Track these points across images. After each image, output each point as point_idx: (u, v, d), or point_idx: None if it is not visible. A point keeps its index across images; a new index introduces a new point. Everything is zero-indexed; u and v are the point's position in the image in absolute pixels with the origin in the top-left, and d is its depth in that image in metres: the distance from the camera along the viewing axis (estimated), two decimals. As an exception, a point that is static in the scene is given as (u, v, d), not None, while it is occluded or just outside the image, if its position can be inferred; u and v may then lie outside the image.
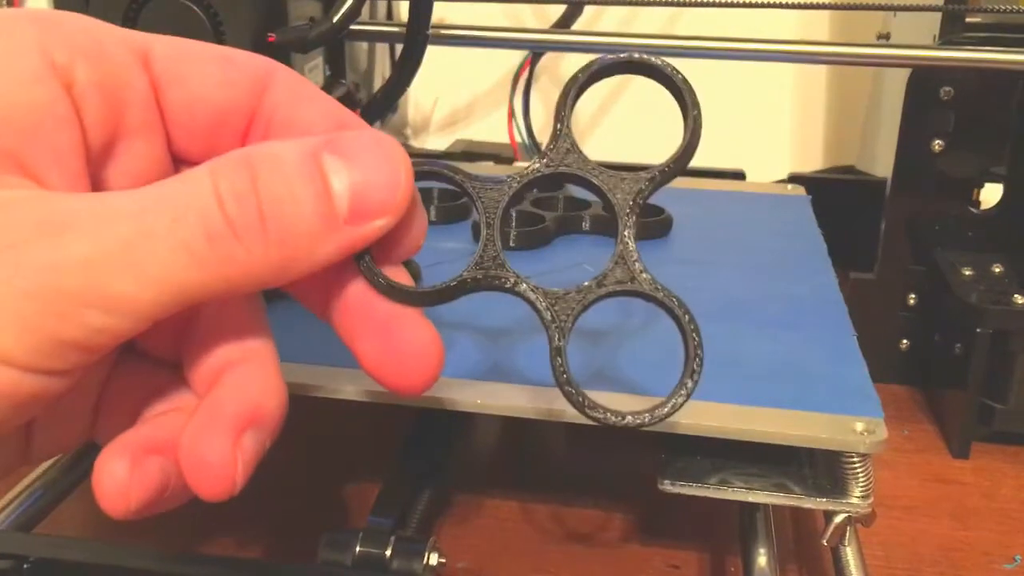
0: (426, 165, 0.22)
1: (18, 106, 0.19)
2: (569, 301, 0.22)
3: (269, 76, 0.22)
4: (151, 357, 0.23)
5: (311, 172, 0.19)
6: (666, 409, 0.22)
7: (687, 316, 0.22)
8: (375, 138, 0.20)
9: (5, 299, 0.17)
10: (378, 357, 0.22)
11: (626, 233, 0.22)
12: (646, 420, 0.22)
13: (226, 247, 0.18)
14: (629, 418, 0.22)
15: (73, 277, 0.17)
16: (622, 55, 0.23)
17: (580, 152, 0.23)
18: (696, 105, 0.23)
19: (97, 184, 0.21)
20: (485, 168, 0.56)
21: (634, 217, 0.23)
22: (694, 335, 0.22)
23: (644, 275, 0.22)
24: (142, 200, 0.18)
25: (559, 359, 0.22)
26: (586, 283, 0.22)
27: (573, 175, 0.23)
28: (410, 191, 0.20)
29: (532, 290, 0.22)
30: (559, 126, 0.23)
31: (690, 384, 0.22)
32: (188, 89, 0.21)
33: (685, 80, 0.22)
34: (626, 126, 0.70)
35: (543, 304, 0.22)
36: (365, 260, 0.21)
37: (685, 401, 0.22)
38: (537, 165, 0.23)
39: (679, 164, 0.23)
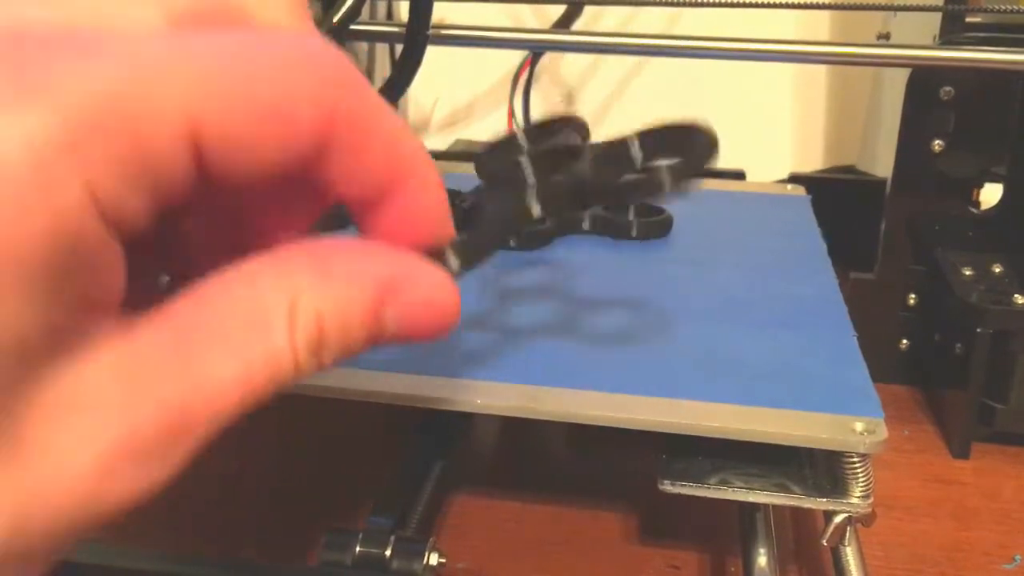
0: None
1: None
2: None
3: (331, 126, 0.19)
4: None
5: (372, 332, 0.19)
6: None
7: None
8: (433, 303, 0.20)
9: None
10: None
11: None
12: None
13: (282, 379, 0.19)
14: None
15: None
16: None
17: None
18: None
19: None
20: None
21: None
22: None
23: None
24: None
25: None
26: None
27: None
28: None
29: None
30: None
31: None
32: (237, 171, 0.19)
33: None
34: (627, 125, 0.70)
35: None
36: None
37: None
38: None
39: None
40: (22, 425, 0.16)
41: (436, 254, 0.21)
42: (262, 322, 0.18)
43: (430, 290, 0.20)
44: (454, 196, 0.46)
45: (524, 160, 0.25)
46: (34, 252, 0.15)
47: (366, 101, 0.20)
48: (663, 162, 0.23)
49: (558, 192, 0.23)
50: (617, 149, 0.23)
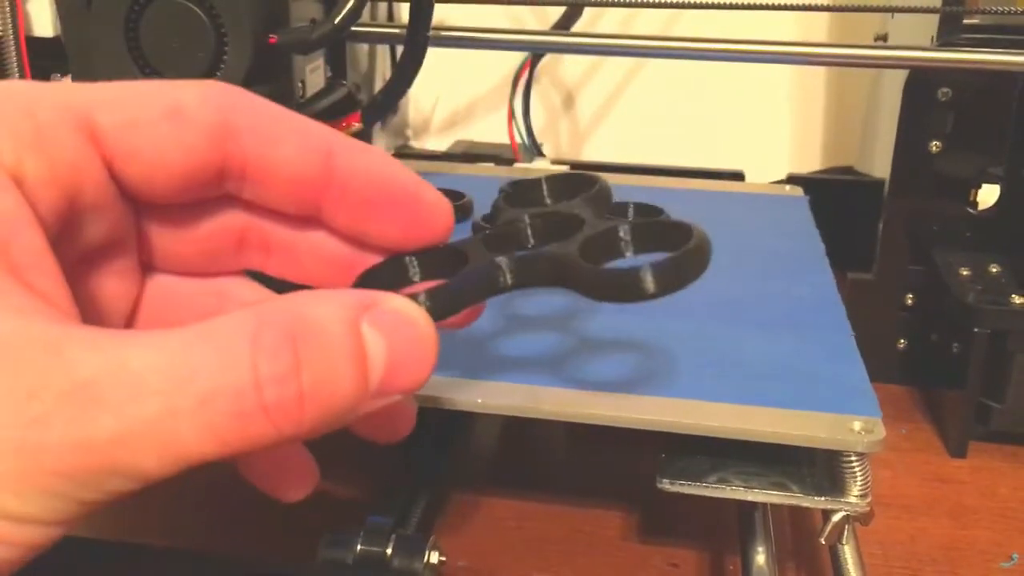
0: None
1: None
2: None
3: (227, 124, 0.21)
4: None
5: (355, 351, 0.18)
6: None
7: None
8: (412, 313, 0.20)
9: (32, 474, 0.17)
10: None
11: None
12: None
13: (255, 428, 0.17)
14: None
15: (99, 455, 0.17)
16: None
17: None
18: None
19: (62, 265, 0.20)
20: (485, 169, 0.57)
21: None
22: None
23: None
24: (168, 371, 0.17)
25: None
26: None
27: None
28: (432, 363, 0.20)
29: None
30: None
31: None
32: (143, 162, 0.21)
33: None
34: (627, 126, 0.70)
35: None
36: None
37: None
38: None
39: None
40: None
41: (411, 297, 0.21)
42: (214, 336, 0.18)
43: (399, 303, 0.20)
44: (454, 195, 0.46)
45: (526, 219, 0.26)
46: None
47: (261, 99, 0.22)
48: (650, 258, 0.23)
49: (535, 270, 0.23)
50: (609, 237, 0.23)
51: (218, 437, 0.17)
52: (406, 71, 0.44)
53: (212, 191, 0.22)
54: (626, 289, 0.22)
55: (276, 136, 0.22)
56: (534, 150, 0.63)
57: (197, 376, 0.17)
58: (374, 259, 0.24)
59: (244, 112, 0.21)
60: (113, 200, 0.21)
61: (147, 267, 0.24)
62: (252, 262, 0.25)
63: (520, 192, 0.28)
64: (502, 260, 0.23)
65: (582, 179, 0.26)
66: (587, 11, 0.63)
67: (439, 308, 0.22)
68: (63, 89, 0.20)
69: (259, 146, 0.21)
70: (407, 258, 0.24)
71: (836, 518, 0.30)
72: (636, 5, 0.63)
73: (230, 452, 0.18)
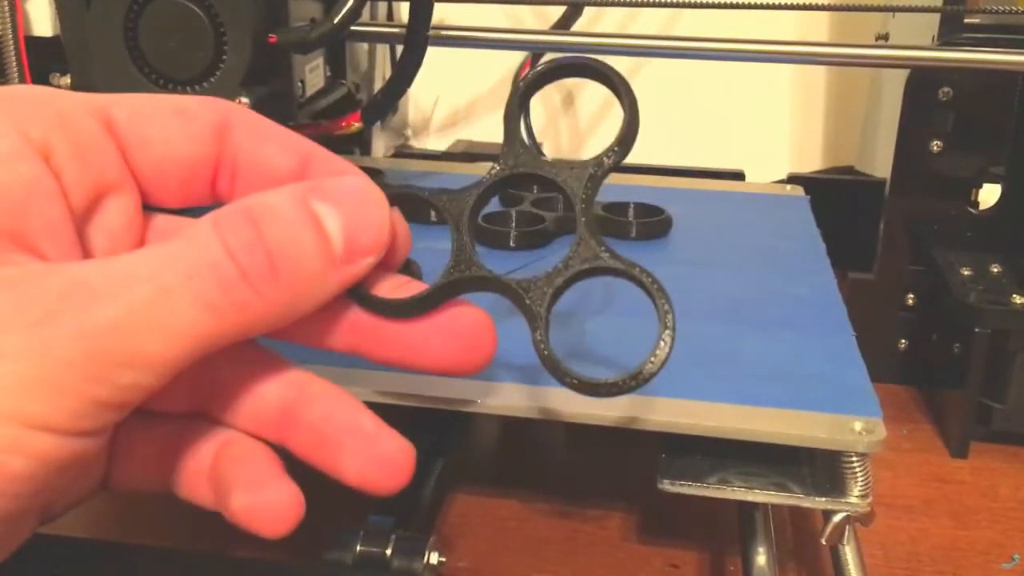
0: (396, 190, 0.24)
1: (8, 185, 0.20)
2: (539, 288, 0.23)
3: (226, 121, 0.23)
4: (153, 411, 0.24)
5: (307, 217, 0.20)
6: (643, 373, 0.23)
7: (654, 284, 0.23)
8: (355, 183, 0.22)
9: (45, 371, 0.17)
10: (422, 348, 0.23)
11: (583, 219, 0.24)
12: (622, 385, 0.23)
13: (241, 295, 0.19)
14: (605, 387, 0.23)
15: (105, 341, 0.18)
16: (556, 61, 0.25)
17: (533, 151, 0.25)
18: (630, 93, 0.24)
19: (83, 246, 0.22)
20: (485, 169, 0.56)
21: (588, 204, 0.24)
22: (663, 302, 0.23)
23: (605, 252, 0.23)
24: (154, 261, 0.19)
25: (542, 345, 0.23)
26: (551, 269, 0.23)
27: (528, 174, 0.25)
28: (391, 227, 0.22)
29: (507, 282, 0.24)
30: (510, 130, 0.25)
31: (664, 347, 0.23)
32: (154, 150, 0.23)
33: (617, 73, 0.24)
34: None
35: (519, 294, 0.24)
36: (356, 288, 0.22)
37: (657, 368, 0.23)
38: (496, 169, 0.25)
39: (623, 149, 0.24)
40: None
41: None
42: (196, 235, 0.20)
43: (344, 179, 0.22)
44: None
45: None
46: None
47: (254, 114, 0.24)
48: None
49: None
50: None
51: (210, 307, 0.19)
52: (406, 71, 0.44)
53: (207, 193, 0.24)
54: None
55: (263, 134, 0.23)
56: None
57: (178, 259, 0.19)
58: None
59: (238, 112, 0.23)
60: (128, 188, 0.23)
61: None
62: None
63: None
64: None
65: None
66: (587, 11, 0.63)
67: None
68: (79, 93, 0.22)
69: (249, 141, 0.23)
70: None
71: (837, 518, 0.30)
72: (636, 5, 0.63)
73: (227, 326, 0.19)
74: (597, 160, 0.24)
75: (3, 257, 0.19)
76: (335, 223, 0.21)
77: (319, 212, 0.20)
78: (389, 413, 0.33)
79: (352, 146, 0.59)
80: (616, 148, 0.24)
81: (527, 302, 0.23)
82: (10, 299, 0.18)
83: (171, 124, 0.22)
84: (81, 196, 0.21)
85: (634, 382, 0.23)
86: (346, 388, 0.30)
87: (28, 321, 0.18)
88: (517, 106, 0.25)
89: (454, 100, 0.73)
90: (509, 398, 0.30)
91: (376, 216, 0.21)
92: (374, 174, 0.49)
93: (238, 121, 0.23)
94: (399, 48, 0.47)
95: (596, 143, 0.71)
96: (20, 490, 0.18)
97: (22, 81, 0.42)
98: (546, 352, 0.23)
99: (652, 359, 0.23)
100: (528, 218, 0.44)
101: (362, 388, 0.30)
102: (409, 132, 0.72)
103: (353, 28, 0.40)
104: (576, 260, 0.23)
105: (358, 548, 0.30)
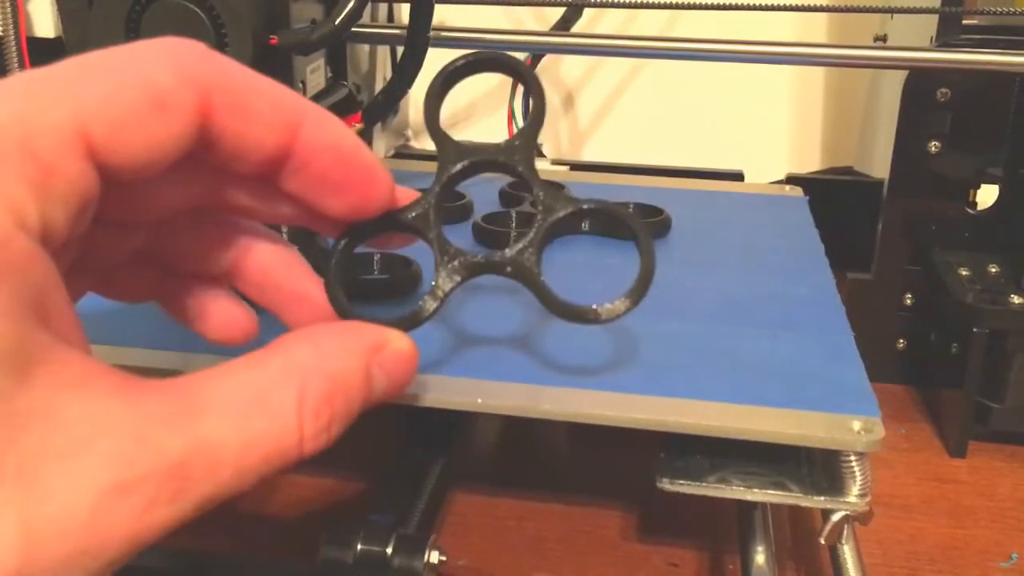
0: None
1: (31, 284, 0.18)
2: (526, 250, 0.26)
3: (207, 101, 0.21)
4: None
5: (367, 392, 0.24)
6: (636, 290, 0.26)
7: (624, 211, 0.26)
8: (405, 354, 0.25)
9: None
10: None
11: (536, 179, 0.27)
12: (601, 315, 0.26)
13: (288, 461, 0.22)
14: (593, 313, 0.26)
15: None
16: (468, 57, 0.28)
17: (467, 144, 0.28)
18: (539, 85, 0.28)
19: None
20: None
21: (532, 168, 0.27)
22: (637, 228, 0.26)
23: (571, 197, 0.27)
24: (238, 446, 0.21)
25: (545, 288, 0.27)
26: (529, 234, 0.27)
27: (480, 162, 0.28)
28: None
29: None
30: (432, 126, 0.28)
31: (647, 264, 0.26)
32: (137, 160, 0.21)
33: (525, 66, 0.28)
34: (627, 126, 0.70)
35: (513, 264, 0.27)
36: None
37: (645, 288, 0.26)
38: (450, 167, 0.28)
39: (536, 122, 0.27)
40: (24, 459, 0.17)
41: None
42: (269, 402, 0.21)
43: (399, 342, 0.25)
44: (454, 195, 0.46)
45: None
46: None
47: (233, 67, 0.22)
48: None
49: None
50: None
51: (261, 477, 0.21)
52: (406, 72, 0.44)
53: (187, 170, 0.23)
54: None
55: (249, 112, 0.22)
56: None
57: (257, 445, 0.21)
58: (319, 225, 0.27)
59: (219, 89, 0.22)
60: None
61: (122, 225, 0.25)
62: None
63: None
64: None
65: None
66: (587, 11, 0.63)
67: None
68: (52, 102, 0.19)
69: (233, 122, 0.22)
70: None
71: (835, 518, 0.30)
72: (636, 6, 0.63)
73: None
74: (519, 134, 0.27)
75: (69, 371, 0.19)
76: (381, 390, 0.24)
77: (374, 378, 0.24)
78: (389, 413, 0.33)
79: (352, 147, 0.59)
80: (533, 121, 0.27)
81: (524, 264, 0.26)
82: (101, 465, 0.18)
83: (152, 127, 0.20)
84: (72, 251, 0.22)
85: (629, 301, 0.26)
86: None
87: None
88: (436, 97, 0.28)
89: (454, 100, 0.73)
90: (509, 398, 0.30)
91: (408, 379, 0.26)
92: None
93: (220, 99, 0.21)
94: (399, 49, 0.47)
95: (596, 143, 0.71)
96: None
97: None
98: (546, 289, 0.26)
99: (638, 282, 0.26)
100: (528, 218, 0.44)
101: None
102: (410, 133, 0.73)
103: (354, 29, 0.40)
104: (548, 210, 0.26)
105: (358, 547, 0.30)
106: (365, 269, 0.38)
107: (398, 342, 0.25)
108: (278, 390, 0.21)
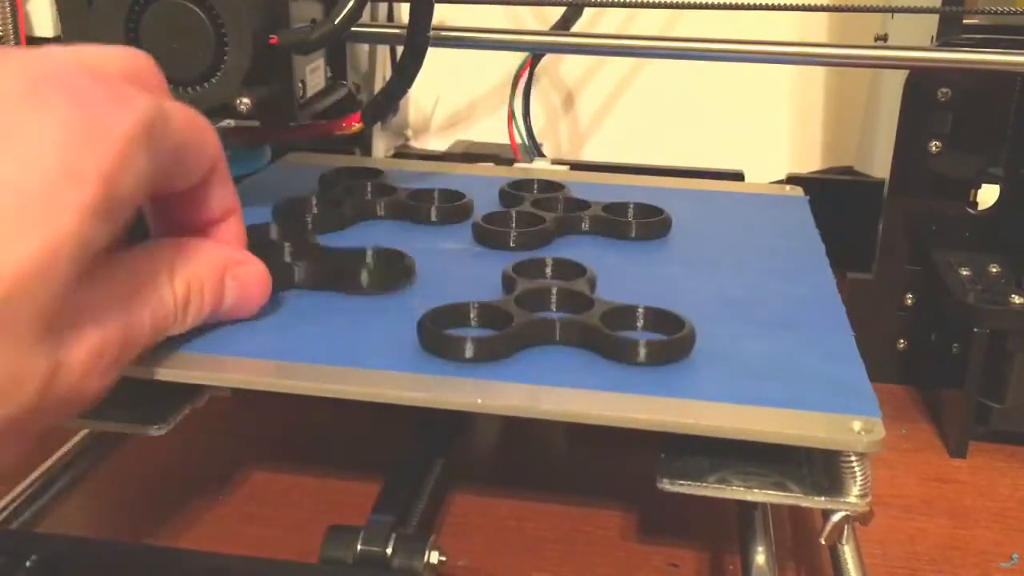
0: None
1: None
2: None
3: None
4: None
5: (218, 294, 0.30)
6: None
7: None
8: (263, 278, 0.32)
9: None
10: None
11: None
12: None
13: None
14: None
15: None
16: None
17: None
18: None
19: None
20: (485, 169, 0.57)
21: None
22: None
23: None
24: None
25: None
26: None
27: None
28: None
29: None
30: None
31: None
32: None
33: None
34: (627, 126, 0.70)
35: None
36: None
37: None
38: None
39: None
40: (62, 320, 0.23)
41: None
42: (157, 284, 0.28)
43: (255, 268, 0.32)
44: (453, 196, 0.46)
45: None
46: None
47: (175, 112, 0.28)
48: None
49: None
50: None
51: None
52: (406, 71, 0.44)
53: None
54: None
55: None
56: (534, 150, 0.63)
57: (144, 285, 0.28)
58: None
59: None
60: None
61: None
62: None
63: None
64: None
65: None
66: (587, 11, 0.63)
67: None
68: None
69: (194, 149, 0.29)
70: None
71: (836, 518, 0.30)
72: (636, 5, 0.63)
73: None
74: None
75: None
76: (231, 301, 0.31)
77: (227, 287, 0.31)
78: (389, 413, 0.33)
79: (353, 146, 0.59)
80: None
81: None
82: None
83: (200, 137, 0.29)
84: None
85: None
86: (347, 388, 0.31)
87: None
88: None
89: (454, 100, 0.73)
90: (509, 398, 0.30)
91: (256, 301, 0.32)
92: (375, 175, 0.49)
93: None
94: (399, 48, 0.47)
95: (596, 143, 0.71)
96: None
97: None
98: None
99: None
100: (528, 218, 0.44)
101: (362, 388, 0.30)
102: (409, 132, 0.73)
103: (354, 29, 0.40)
104: None
105: (358, 547, 0.30)
106: (357, 261, 0.38)
107: (254, 264, 0.32)
108: (160, 275, 0.28)
